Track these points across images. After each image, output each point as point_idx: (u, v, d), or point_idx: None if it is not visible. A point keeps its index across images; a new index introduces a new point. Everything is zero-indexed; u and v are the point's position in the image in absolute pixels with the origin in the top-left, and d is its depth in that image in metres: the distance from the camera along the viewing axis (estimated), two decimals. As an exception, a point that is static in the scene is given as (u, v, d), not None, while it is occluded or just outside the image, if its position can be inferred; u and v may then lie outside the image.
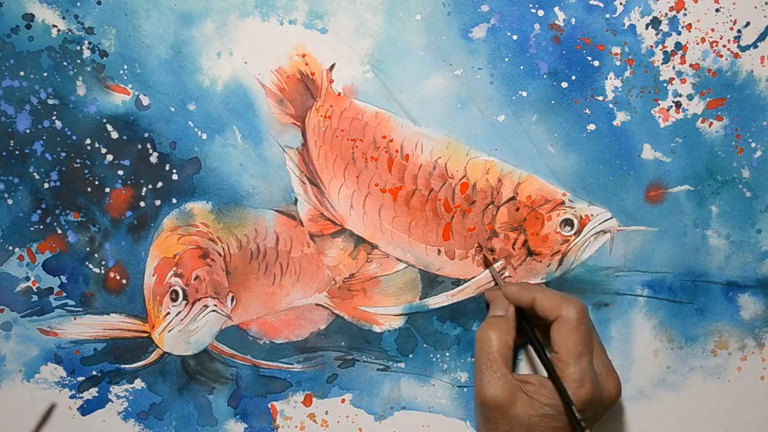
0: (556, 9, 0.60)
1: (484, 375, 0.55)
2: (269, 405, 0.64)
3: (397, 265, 0.63)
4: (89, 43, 0.61)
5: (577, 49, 0.61)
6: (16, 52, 0.61)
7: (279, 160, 0.62)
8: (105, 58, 0.61)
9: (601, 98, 0.61)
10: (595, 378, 0.54)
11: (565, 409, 0.53)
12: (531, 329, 0.58)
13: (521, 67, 0.61)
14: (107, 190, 0.62)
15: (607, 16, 0.61)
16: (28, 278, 0.63)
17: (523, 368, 0.62)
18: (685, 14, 0.61)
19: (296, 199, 0.63)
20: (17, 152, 0.62)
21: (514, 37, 0.61)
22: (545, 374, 0.56)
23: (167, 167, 0.62)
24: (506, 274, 0.63)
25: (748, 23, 0.61)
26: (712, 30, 0.61)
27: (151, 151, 0.62)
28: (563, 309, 0.55)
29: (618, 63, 0.61)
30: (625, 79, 0.61)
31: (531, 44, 0.61)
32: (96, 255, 0.62)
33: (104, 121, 0.61)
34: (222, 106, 0.61)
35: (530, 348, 0.61)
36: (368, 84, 0.61)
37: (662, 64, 0.61)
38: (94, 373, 0.63)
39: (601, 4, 0.61)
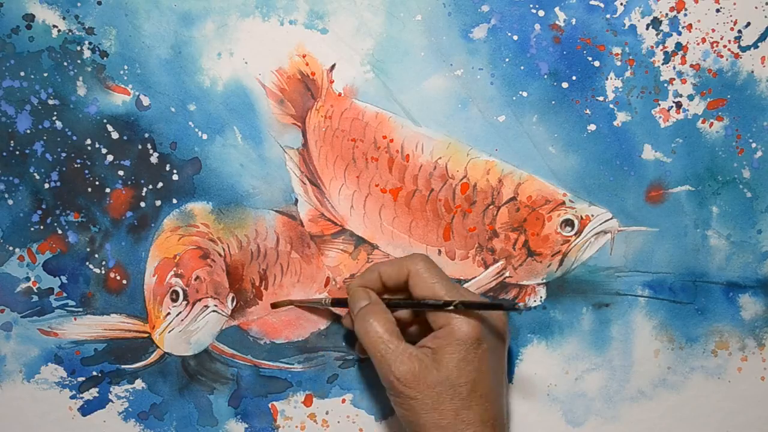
0: (556, 9, 0.60)
1: (385, 358, 0.52)
2: (270, 405, 0.64)
3: (397, 265, 0.63)
4: (89, 43, 0.61)
5: (578, 50, 0.61)
6: (16, 52, 0.61)
7: (279, 161, 0.62)
8: (105, 58, 0.61)
9: (601, 98, 0.61)
10: (469, 293, 0.56)
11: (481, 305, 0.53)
12: (399, 298, 0.57)
13: (522, 68, 0.61)
14: (108, 190, 0.62)
15: (608, 16, 0.61)
16: (28, 278, 0.63)
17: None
18: (685, 14, 0.61)
19: (297, 200, 0.63)
20: (18, 152, 0.61)
21: (515, 38, 0.61)
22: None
23: (167, 167, 0.62)
24: (507, 274, 0.63)
25: (748, 23, 0.61)
26: (713, 30, 0.61)
27: (151, 151, 0.62)
28: (408, 266, 0.55)
29: (618, 63, 0.61)
30: (625, 80, 0.61)
31: (531, 44, 0.61)
32: (96, 255, 0.62)
33: (104, 121, 0.61)
34: (222, 106, 0.61)
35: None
36: (369, 84, 0.61)
37: (663, 64, 0.61)
38: (95, 373, 0.63)
39: (602, 5, 0.60)
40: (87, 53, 0.61)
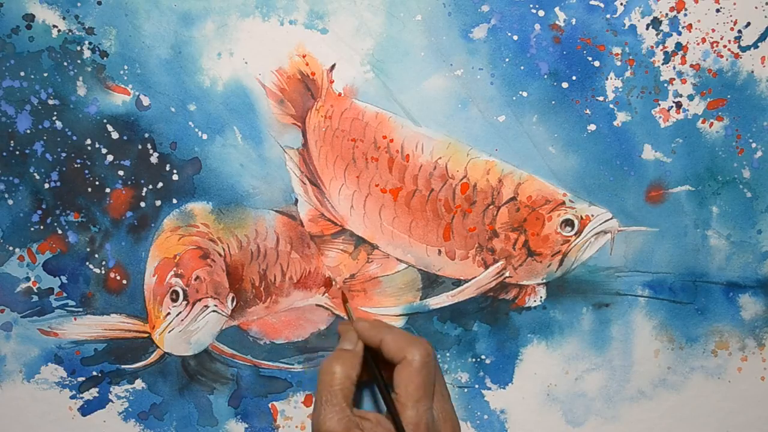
0: (556, 9, 0.60)
1: (323, 407, 0.53)
2: (270, 405, 0.64)
3: (397, 265, 0.63)
4: (89, 43, 0.61)
5: (578, 50, 0.61)
6: (16, 52, 0.61)
7: (279, 161, 0.62)
8: (105, 58, 0.61)
9: (601, 98, 0.61)
10: (432, 424, 0.54)
11: None
12: (376, 367, 0.57)
13: (522, 68, 0.61)
14: (108, 190, 0.62)
15: (608, 16, 0.61)
16: (28, 278, 0.63)
17: (368, 405, 0.62)
18: (685, 14, 0.61)
19: (297, 200, 0.63)
20: (18, 152, 0.62)
21: (515, 38, 0.61)
22: (386, 413, 0.55)
23: (168, 167, 0.62)
24: (507, 274, 0.63)
25: (748, 23, 0.61)
26: (713, 30, 0.61)
27: (151, 151, 0.62)
28: (408, 352, 0.54)
29: (618, 63, 0.61)
30: (625, 80, 0.61)
31: (531, 44, 0.61)
32: (96, 255, 0.62)
33: (104, 121, 0.61)
34: (222, 106, 0.61)
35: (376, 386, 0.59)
36: (369, 84, 0.61)
37: (663, 64, 0.61)
38: (95, 373, 0.63)
39: (602, 5, 0.61)
40: (87, 53, 0.61)
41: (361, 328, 0.58)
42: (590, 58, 0.61)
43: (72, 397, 0.64)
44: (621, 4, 0.60)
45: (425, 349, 0.55)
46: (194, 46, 0.61)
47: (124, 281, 0.63)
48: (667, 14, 0.61)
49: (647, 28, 0.61)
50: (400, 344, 0.55)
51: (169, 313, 0.62)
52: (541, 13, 0.60)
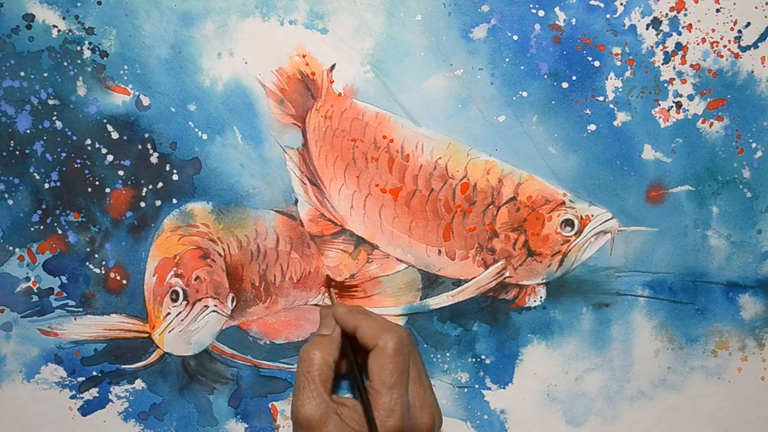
0: (556, 9, 0.60)
1: (300, 393, 0.53)
2: (270, 405, 0.64)
3: (397, 265, 0.63)
4: (89, 43, 0.61)
5: (578, 50, 0.61)
6: (16, 52, 0.61)
7: (279, 161, 0.62)
8: (105, 58, 0.61)
9: (601, 98, 0.61)
10: (407, 410, 0.53)
11: None
12: (352, 353, 0.57)
13: (522, 68, 0.61)
14: (108, 190, 0.62)
15: (608, 16, 0.61)
16: (28, 278, 0.63)
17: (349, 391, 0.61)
18: (685, 14, 0.61)
19: (297, 200, 0.63)
20: (18, 152, 0.62)
21: (515, 38, 0.61)
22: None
23: (168, 167, 0.62)
24: (507, 274, 0.63)
25: (748, 23, 0.61)
26: (713, 30, 0.61)
27: (151, 151, 0.62)
28: (381, 338, 0.54)
29: (618, 63, 0.61)
30: (625, 80, 0.61)
31: (531, 44, 0.61)
32: (96, 255, 0.62)
33: (105, 121, 0.61)
34: (222, 106, 0.61)
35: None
36: (369, 84, 0.61)
37: (663, 64, 0.61)
38: (95, 373, 0.63)
39: (602, 5, 0.61)
40: (87, 53, 0.61)
41: (339, 314, 0.58)
42: (590, 58, 0.61)
43: (72, 397, 0.64)
44: (621, 4, 0.60)
45: (399, 335, 0.54)
46: (194, 46, 0.61)
47: (124, 281, 0.63)
48: (667, 14, 0.61)
49: (647, 28, 0.61)
50: (374, 330, 0.55)
51: (169, 313, 0.62)
52: (541, 13, 0.60)
